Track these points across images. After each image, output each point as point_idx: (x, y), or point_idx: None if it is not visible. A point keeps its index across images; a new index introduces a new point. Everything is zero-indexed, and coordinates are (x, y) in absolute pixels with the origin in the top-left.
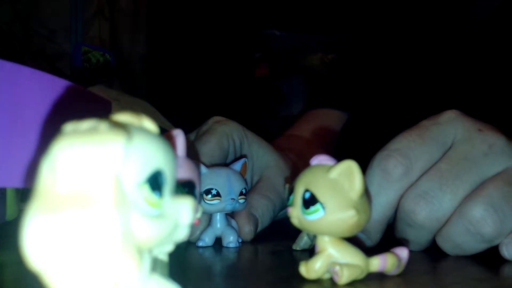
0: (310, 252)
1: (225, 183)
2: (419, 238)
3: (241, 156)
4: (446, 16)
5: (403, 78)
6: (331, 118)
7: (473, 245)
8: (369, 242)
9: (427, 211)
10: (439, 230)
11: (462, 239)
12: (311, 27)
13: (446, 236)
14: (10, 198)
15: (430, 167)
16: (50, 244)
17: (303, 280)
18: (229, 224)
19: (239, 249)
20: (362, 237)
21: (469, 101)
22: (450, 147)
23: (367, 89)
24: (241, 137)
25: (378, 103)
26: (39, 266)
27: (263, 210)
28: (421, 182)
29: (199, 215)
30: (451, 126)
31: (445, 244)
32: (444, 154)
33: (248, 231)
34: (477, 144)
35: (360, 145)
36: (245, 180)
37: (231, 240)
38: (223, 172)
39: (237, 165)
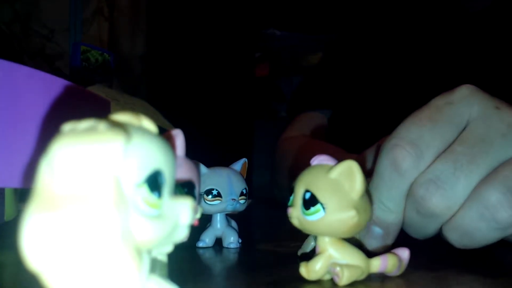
0: (311, 253)
1: (226, 183)
2: (427, 227)
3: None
4: (441, 8)
5: (392, 74)
6: (321, 121)
7: (485, 233)
8: (386, 238)
9: (438, 197)
10: (449, 218)
11: (474, 226)
12: (311, 27)
13: (456, 223)
14: (8, 198)
15: (444, 150)
16: (48, 244)
17: (304, 281)
18: (229, 225)
19: (239, 249)
20: (380, 232)
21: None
22: (465, 127)
23: (356, 88)
24: None
25: (367, 99)
26: (37, 267)
27: None
28: (434, 166)
29: (198, 215)
30: (466, 104)
31: (453, 233)
32: (459, 134)
33: None
34: (494, 124)
35: (346, 137)
36: (245, 181)
37: (231, 240)
38: (223, 172)
39: (237, 165)
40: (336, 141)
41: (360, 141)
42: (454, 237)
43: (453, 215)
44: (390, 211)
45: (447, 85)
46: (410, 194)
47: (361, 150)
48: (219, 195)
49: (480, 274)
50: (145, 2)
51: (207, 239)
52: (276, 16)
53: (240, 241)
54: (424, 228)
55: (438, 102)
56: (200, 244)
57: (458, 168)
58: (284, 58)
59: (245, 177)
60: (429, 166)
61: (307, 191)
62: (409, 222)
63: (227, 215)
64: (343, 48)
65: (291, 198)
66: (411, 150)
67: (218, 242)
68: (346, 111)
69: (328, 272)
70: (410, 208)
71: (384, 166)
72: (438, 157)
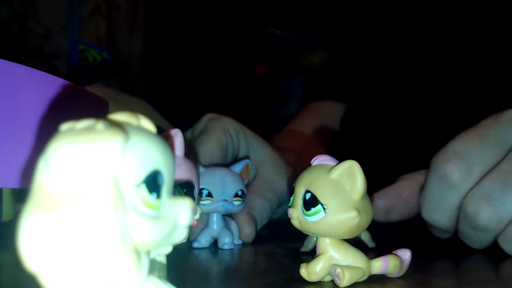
0: (311, 254)
1: (218, 184)
2: (482, 240)
3: (244, 157)
4: (462, 4)
5: (407, 67)
6: (331, 111)
7: None
8: (447, 235)
9: (490, 214)
10: (501, 231)
11: None
12: (311, 25)
13: (508, 235)
14: (6, 199)
15: (493, 168)
16: (46, 245)
17: (304, 282)
18: (225, 226)
19: (238, 250)
20: (439, 233)
21: (475, 94)
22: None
23: (368, 80)
24: (237, 131)
25: (379, 94)
26: (35, 267)
27: (260, 210)
28: (483, 184)
29: (197, 216)
30: None
31: (507, 245)
32: (506, 154)
33: (249, 232)
34: None
35: (360, 136)
36: (243, 182)
37: (226, 241)
38: (218, 172)
39: (238, 167)
40: (349, 135)
41: (375, 137)
42: (509, 249)
43: (505, 228)
44: (438, 222)
45: (468, 82)
46: (462, 210)
47: (375, 147)
48: (209, 195)
49: (484, 275)
50: (143, 1)
51: (202, 240)
52: (276, 15)
53: (240, 242)
54: (480, 240)
55: (487, 121)
56: (196, 245)
57: (506, 186)
58: (283, 57)
59: (247, 179)
60: (478, 183)
61: (307, 191)
62: (465, 235)
63: (227, 216)
64: (361, 42)
65: (291, 198)
66: (460, 164)
67: (217, 243)
68: (363, 105)
69: (329, 273)
70: (464, 223)
71: (435, 178)
72: (486, 174)
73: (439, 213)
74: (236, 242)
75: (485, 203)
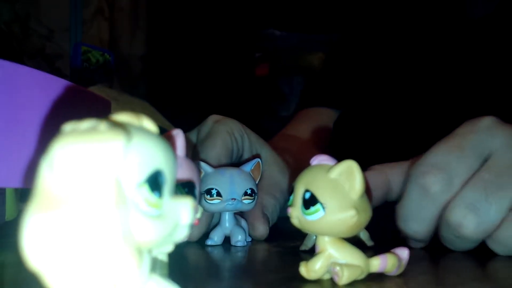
0: (311, 252)
1: (227, 183)
2: (466, 246)
3: (254, 157)
4: (443, 14)
5: (396, 76)
6: (325, 117)
7: None
8: (421, 245)
9: (475, 224)
10: (490, 234)
11: None
12: (311, 27)
13: (498, 240)
14: (9, 198)
15: (472, 177)
16: (49, 244)
17: (303, 280)
18: (237, 224)
19: (239, 249)
20: (414, 243)
21: (463, 99)
22: (490, 156)
23: (361, 87)
24: (241, 134)
25: (371, 100)
26: (38, 266)
27: (272, 209)
28: (465, 194)
29: (198, 215)
30: (489, 135)
31: (498, 247)
32: (482, 163)
33: (262, 230)
34: None
35: (352, 140)
36: (253, 181)
37: (239, 239)
38: (227, 172)
39: (248, 166)
40: (342, 139)
41: (368, 142)
42: (499, 250)
43: (494, 232)
44: (416, 233)
45: (450, 91)
46: (445, 221)
47: (368, 151)
48: (218, 194)
49: (481, 274)
50: (145, 2)
51: (216, 237)
52: (276, 17)
53: (248, 240)
54: (464, 245)
55: (463, 130)
56: (209, 242)
57: (489, 195)
58: (283, 58)
59: (257, 178)
60: (459, 193)
61: (307, 190)
62: (448, 242)
63: (238, 214)
64: (348, 49)
65: (291, 197)
66: (440, 176)
67: (226, 241)
68: (356, 110)
69: (328, 271)
70: (448, 232)
71: (414, 190)
72: (466, 183)
73: (416, 223)
74: (246, 239)
75: (470, 214)
